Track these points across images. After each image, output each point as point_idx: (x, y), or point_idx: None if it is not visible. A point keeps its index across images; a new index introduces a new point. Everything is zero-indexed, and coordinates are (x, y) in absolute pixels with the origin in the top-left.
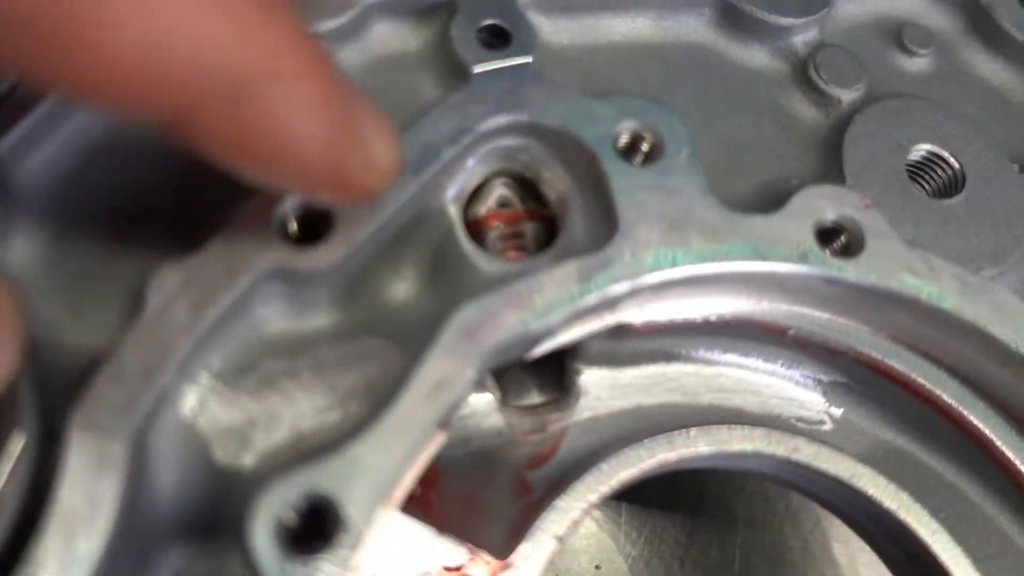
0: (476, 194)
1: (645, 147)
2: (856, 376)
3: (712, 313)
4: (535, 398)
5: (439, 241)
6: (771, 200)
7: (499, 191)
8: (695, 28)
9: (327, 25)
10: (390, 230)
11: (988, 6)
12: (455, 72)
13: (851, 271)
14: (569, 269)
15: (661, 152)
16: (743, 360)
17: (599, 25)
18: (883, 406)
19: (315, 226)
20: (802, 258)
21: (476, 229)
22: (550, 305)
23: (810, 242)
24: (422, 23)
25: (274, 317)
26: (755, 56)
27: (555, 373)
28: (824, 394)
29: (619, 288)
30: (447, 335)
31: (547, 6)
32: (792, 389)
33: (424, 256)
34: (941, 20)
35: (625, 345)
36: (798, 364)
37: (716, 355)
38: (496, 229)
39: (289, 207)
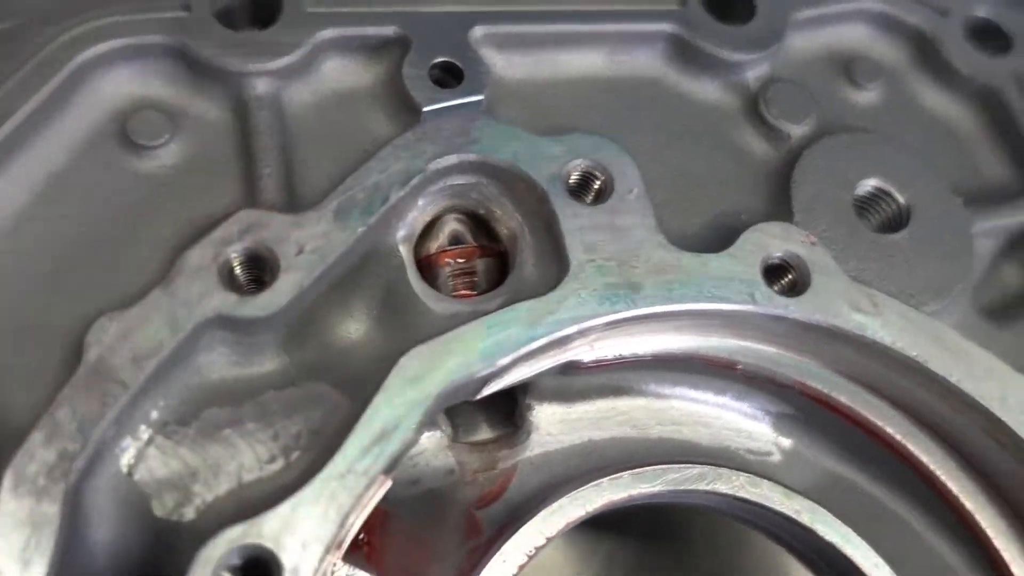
0: (428, 230)
1: (596, 185)
2: (803, 408)
3: (661, 349)
4: (486, 434)
5: (389, 281)
6: (721, 234)
7: (451, 227)
8: (648, 63)
9: (277, 63)
10: (338, 272)
11: (934, 40)
12: (407, 109)
13: (797, 309)
14: (518, 312)
15: (611, 190)
16: (693, 393)
17: (552, 60)
18: (830, 437)
19: (260, 271)
20: (749, 298)
21: (427, 267)
22: (498, 349)
23: (757, 281)
24: (374, 59)
25: (218, 364)
26: (707, 90)
27: (506, 409)
28: (773, 426)
29: (568, 330)
30: (392, 382)
31: (501, 42)
32: (741, 421)
33: (374, 296)
34: (889, 53)
35: (576, 381)
36: (747, 396)
37: (666, 389)
38: (447, 267)
39: (234, 253)
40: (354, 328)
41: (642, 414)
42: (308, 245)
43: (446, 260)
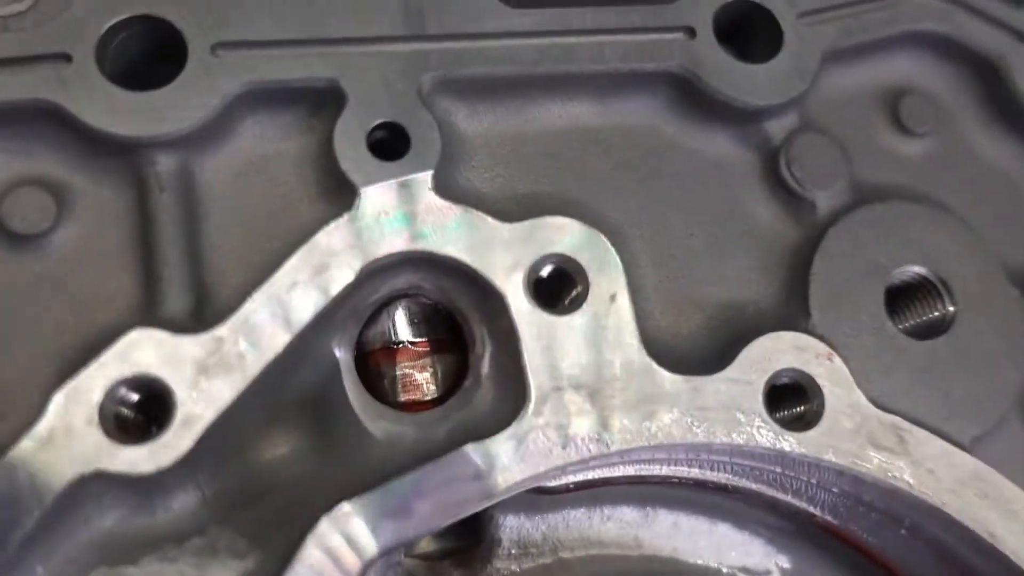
0: (373, 318)
1: (568, 290)
2: (806, 526)
3: (640, 475)
4: (441, 543)
5: (322, 389)
6: (722, 338)
7: (400, 316)
8: (645, 110)
9: (180, 128)
10: (255, 393)
11: (1005, 70)
12: (340, 187)
13: (805, 446)
14: (468, 461)
15: (586, 295)
16: (680, 502)
17: (527, 109)
18: (835, 558)
19: (156, 409)
20: (747, 434)
21: (370, 365)
22: (440, 510)
23: (759, 409)
24: (302, 120)
25: (110, 513)
26: (716, 144)
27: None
28: (771, 541)
29: (524, 476)
30: (308, 554)
31: (461, 90)
32: (735, 535)
33: (303, 409)
34: (946, 88)
35: (545, 497)
36: (741, 509)
37: (650, 498)
38: (395, 369)
39: (122, 389)
40: (278, 450)
41: (620, 525)
42: (215, 374)
43: (396, 359)
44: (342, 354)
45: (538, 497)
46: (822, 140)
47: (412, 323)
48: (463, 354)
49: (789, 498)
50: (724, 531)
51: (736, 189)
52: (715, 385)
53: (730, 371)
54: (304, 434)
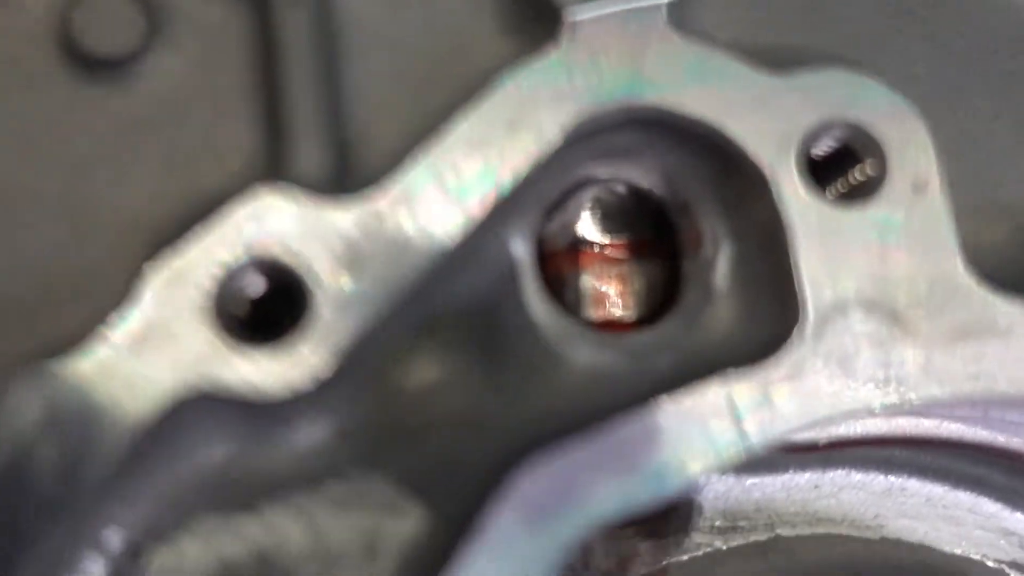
0: (555, 209)
1: (857, 171)
2: None
3: (935, 436)
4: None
5: (493, 297)
6: None
7: (593, 206)
8: None
9: None
10: (415, 300)
11: None
12: (536, 12)
13: None
14: (720, 402)
15: (883, 180)
16: (936, 470)
17: None
18: None
19: (284, 305)
20: None
21: (551, 271)
22: (677, 468)
23: None
24: None
25: (218, 444)
26: None
27: None
28: None
29: (799, 423)
30: (501, 519)
31: None
32: (1007, 517)
33: (467, 323)
34: None
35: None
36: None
37: (897, 460)
38: (584, 275)
39: (239, 274)
40: (431, 374)
41: (858, 498)
42: (369, 263)
43: (583, 265)
44: (522, 251)
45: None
46: None
47: (610, 218)
48: (670, 260)
49: None
50: (992, 512)
51: None
52: None
53: None
54: (467, 356)
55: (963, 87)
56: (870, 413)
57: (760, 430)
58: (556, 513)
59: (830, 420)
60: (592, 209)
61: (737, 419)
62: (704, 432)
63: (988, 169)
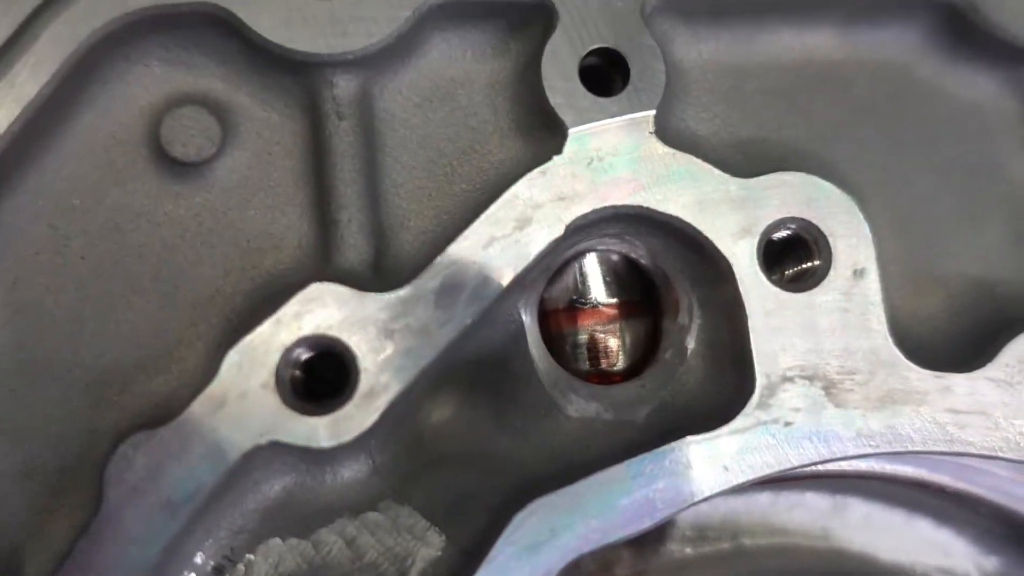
0: (556, 274)
1: (807, 260)
2: (1021, 530)
3: (855, 470)
4: None
5: (502, 356)
6: (966, 322)
7: (588, 272)
8: (897, 44)
9: (364, 45)
10: (440, 360)
11: None
12: (543, 124)
13: None
14: (677, 457)
15: (828, 268)
16: (876, 493)
17: (756, 37)
18: None
19: (334, 376)
20: (1007, 443)
21: (550, 327)
22: (645, 509)
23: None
24: (502, 40)
25: (280, 480)
26: (977, 88)
27: None
28: (976, 541)
29: (745, 479)
30: (504, 552)
31: (687, 8)
32: (934, 532)
33: (482, 375)
34: None
35: None
36: (946, 508)
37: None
38: (578, 334)
39: (298, 350)
40: (448, 414)
41: (809, 514)
42: (401, 341)
43: (579, 325)
44: (527, 317)
45: None
46: None
47: (604, 282)
48: (653, 320)
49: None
50: (923, 528)
51: (996, 144)
52: (971, 385)
53: (990, 370)
54: (480, 400)
55: (909, 172)
56: (808, 468)
57: (715, 484)
58: (547, 544)
59: (773, 475)
60: (596, 272)
61: (694, 476)
62: (673, 483)
63: (927, 245)
